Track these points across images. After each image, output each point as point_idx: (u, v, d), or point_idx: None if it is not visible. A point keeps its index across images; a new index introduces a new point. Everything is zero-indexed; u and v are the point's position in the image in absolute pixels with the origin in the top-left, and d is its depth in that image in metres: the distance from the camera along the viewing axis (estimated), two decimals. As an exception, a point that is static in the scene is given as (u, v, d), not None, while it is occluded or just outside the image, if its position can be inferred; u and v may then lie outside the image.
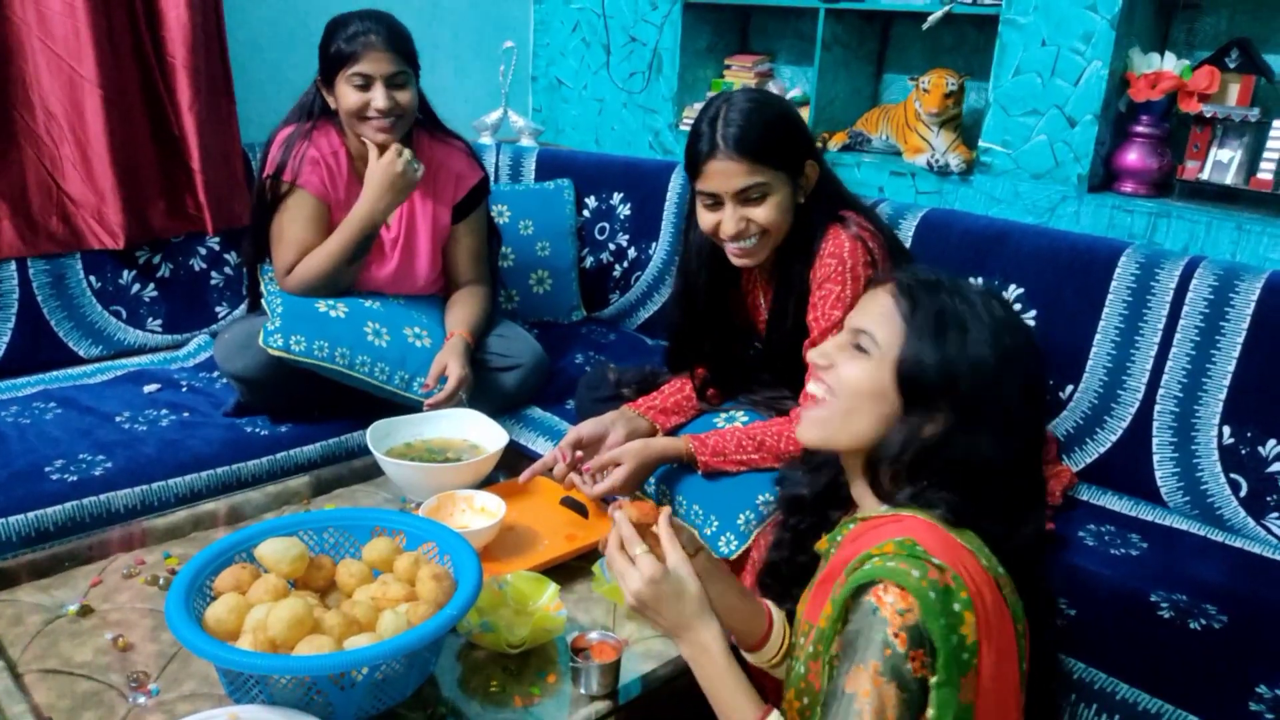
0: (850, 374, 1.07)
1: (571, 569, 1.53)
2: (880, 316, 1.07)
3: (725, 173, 1.55)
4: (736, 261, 1.65)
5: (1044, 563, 1.13)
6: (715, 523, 1.63)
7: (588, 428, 1.74)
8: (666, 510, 1.14)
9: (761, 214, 1.58)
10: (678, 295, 1.84)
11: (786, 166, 1.58)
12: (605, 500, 1.67)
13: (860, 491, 1.12)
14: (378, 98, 1.97)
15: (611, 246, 2.74)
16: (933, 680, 0.93)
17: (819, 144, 2.50)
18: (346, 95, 1.99)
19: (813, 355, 1.11)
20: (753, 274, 1.79)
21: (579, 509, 1.69)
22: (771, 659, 1.22)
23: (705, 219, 1.62)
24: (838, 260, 1.59)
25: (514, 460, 1.85)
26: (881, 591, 0.94)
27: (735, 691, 1.06)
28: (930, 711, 0.93)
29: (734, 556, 1.59)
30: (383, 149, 2.00)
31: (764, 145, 1.54)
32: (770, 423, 1.69)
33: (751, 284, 1.81)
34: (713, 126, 1.55)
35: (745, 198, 1.56)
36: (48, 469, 1.76)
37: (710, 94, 2.85)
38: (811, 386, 1.12)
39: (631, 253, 2.72)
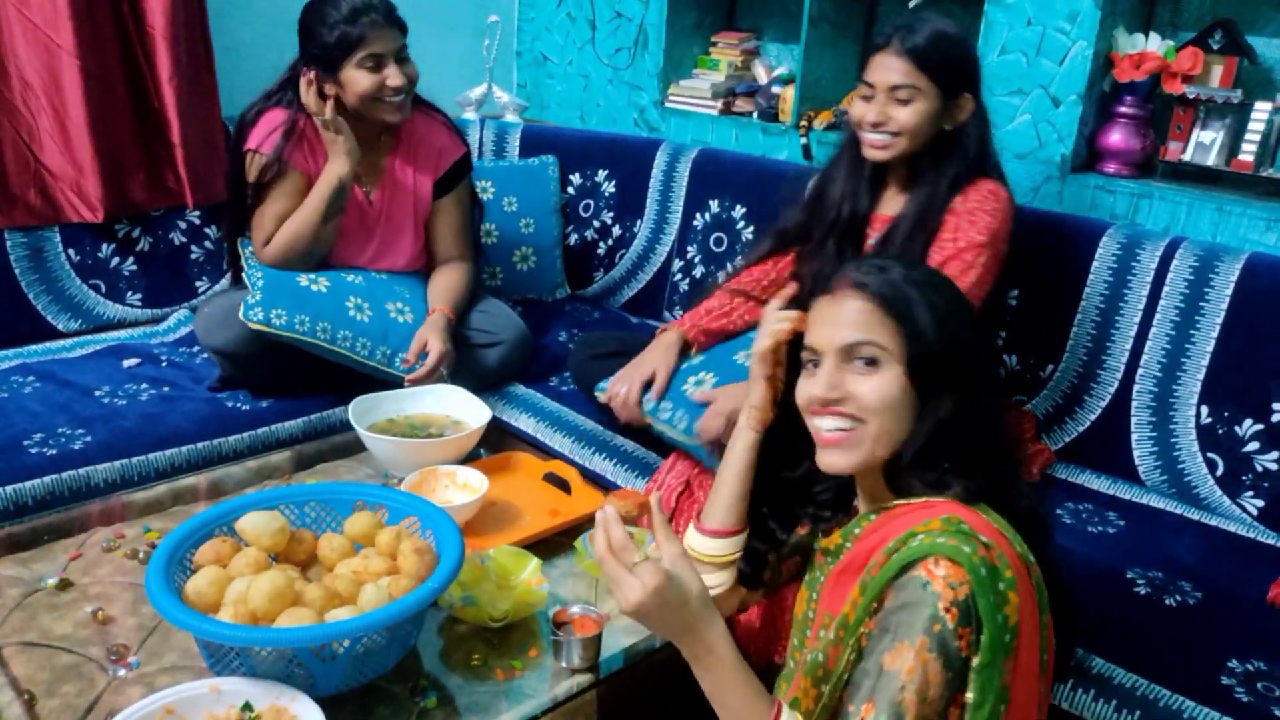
0: (870, 393, 1.02)
1: (554, 544, 1.54)
2: (869, 321, 1.03)
3: (886, 66, 1.68)
4: (869, 152, 1.73)
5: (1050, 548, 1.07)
6: None
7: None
8: (656, 496, 1.10)
9: (903, 114, 1.68)
10: (814, 187, 1.91)
11: (942, 84, 1.67)
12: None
13: (873, 487, 1.09)
14: (392, 75, 1.95)
15: (596, 224, 2.73)
16: (975, 661, 0.91)
17: (804, 122, 2.50)
18: (359, 80, 1.95)
19: (819, 390, 1.04)
20: (885, 192, 1.83)
21: (562, 485, 1.69)
22: (710, 555, 1.24)
23: (857, 107, 1.73)
24: (997, 201, 1.68)
25: (496, 436, 1.85)
26: (933, 565, 0.92)
27: (745, 693, 1.00)
28: (970, 695, 0.91)
29: None
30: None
31: (928, 55, 1.66)
32: None
33: (875, 208, 1.84)
34: (896, 30, 1.69)
35: (895, 96, 1.67)
36: (26, 443, 1.75)
37: (697, 70, 2.85)
38: (828, 425, 1.05)
39: (616, 230, 2.72)
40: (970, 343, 1.05)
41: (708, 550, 1.24)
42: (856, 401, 1.02)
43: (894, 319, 1.02)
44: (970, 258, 1.64)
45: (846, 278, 1.06)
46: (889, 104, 1.68)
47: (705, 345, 1.86)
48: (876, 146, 1.71)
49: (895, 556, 0.96)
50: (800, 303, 1.14)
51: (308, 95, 1.98)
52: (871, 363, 1.03)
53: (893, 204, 1.79)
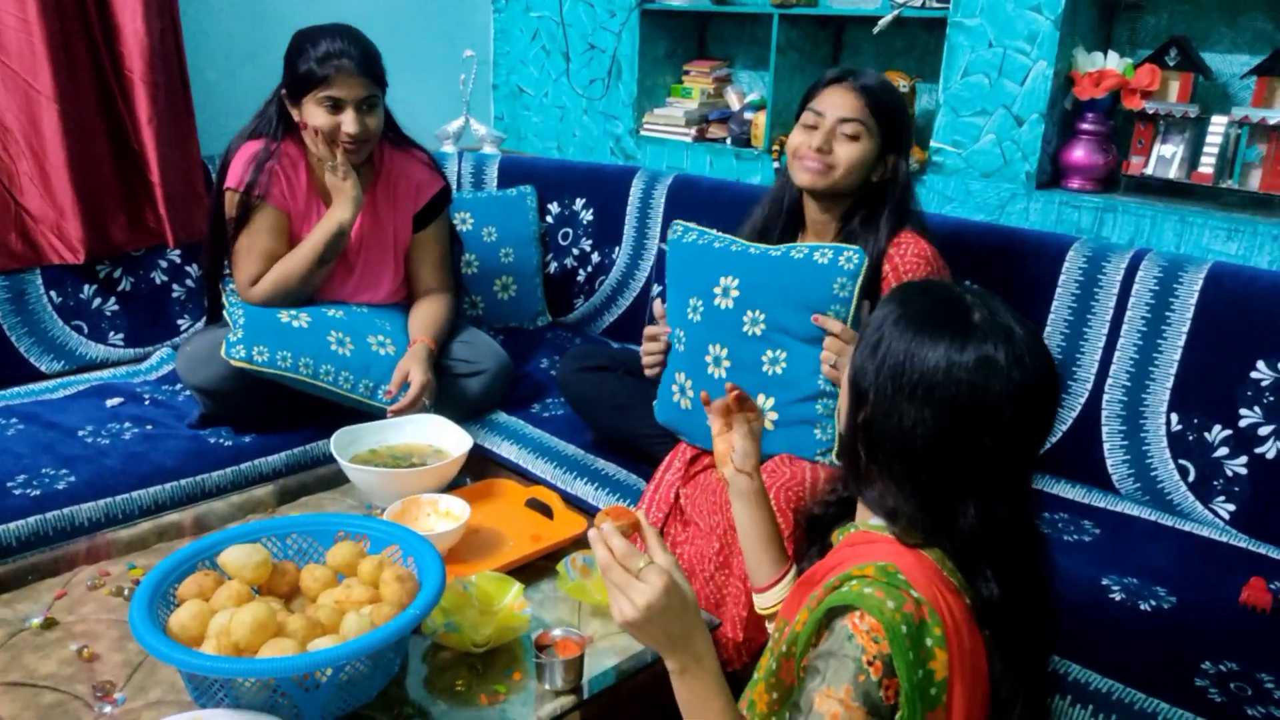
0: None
1: (536, 569, 1.55)
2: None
3: (839, 101, 1.73)
4: (801, 176, 1.76)
5: (1036, 562, 1.05)
6: None
7: None
8: (641, 513, 1.13)
9: (847, 150, 1.73)
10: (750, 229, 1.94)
11: (885, 133, 1.74)
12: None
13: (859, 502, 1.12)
14: (348, 122, 1.98)
15: (575, 252, 2.77)
16: (898, 716, 0.92)
17: (776, 147, 2.54)
18: (315, 116, 1.99)
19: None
20: (805, 235, 1.88)
21: (544, 510, 1.71)
22: (772, 607, 1.26)
23: (796, 136, 1.77)
24: (927, 264, 1.72)
25: (479, 464, 1.87)
26: (857, 619, 0.93)
27: (723, 706, 1.01)
28: None
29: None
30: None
31: (881, 98, 1.74)
32: None
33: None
34: (851, 71, 1.76)
35: (843, 130, 1.72)
36: (10, 484, 1.75)
37: (670, 99, 2.89)
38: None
39: (595, 258, 2.75)
40: (894, 363, 1.03)
41: (775, 600, 1.27)
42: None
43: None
44: None
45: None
46: (835, 137, 1.72)
47: None
48: (813, 173, 1.74)
49: (827, 599, 0.98)
50: None
51: (314, 144, 2.02)
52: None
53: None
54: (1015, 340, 0.98)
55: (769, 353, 1.69)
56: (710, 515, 1.65)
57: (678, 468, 1.78)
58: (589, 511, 1.83)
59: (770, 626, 1.24)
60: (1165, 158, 2.04)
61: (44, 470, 1.81)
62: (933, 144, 2.30)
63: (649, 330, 1.88)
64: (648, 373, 1.89)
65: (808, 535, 1.24)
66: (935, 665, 0.93)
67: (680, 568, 1.05)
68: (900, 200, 1.77)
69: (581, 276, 2.76)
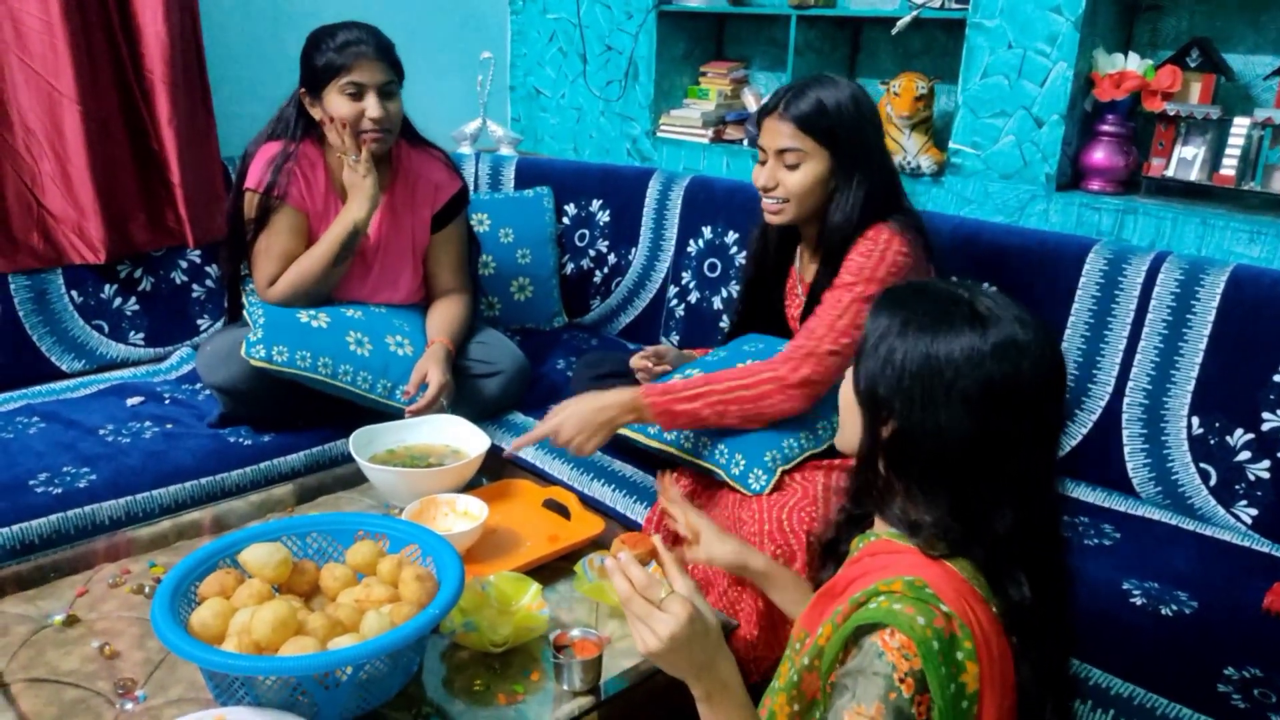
0: (841, 390, 1.13)
1: (554, 569, 1.55)
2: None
3: (773, 131, 1.72)
4: (766, 217, 1.80)
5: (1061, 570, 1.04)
6: (742, 462, 1.68)
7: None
8: (657, 538, 1.13)
9: (791, 180, 1.72)
10: (748, 257, 2.01)
11: (830, 145, 1.70)
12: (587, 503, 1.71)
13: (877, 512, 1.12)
14: (371, 107, 2.00)
15: (591, 253, 2.77)
16: None
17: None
18: (338, 105, 2.00)
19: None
20: (804, 258, 1.90)
21: (561, 511, 1.71)
22: None
23: (755, 171, 1.78)
24: (875, 244, 1.69)
25: (496, 465, 1.87)
26: (887, 636, 0.92)
27: None
28: None
29: (766, 492, 1.64)
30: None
31: (813, 122, 1.69)
32: (744, 370, 1.70)
33: (797, 278, 1.91)
34: (785, 93, 1.73)
35: (783, 160, 1.72)
36: (32, 482, 1.77)
37: (687, 100, 2.89)
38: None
39: (611, 259, 2.75)
40: (920, 374, 1.02)
41: None
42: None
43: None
44: (841, 297, 1.67)
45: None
46: (778, 168, 1.73)
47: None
48: (770, 211, 1.78)
49: (855, 615, 0.97)
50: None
51: (337, 136, 2.02)
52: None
53: (809, 268, 1.85)
54: (1026, 323, 0.99)
55: None
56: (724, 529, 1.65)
57: (687, 482, 1.78)
58: (606, 513, 1.83)
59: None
60: (1187, 160, 2.03)
61: (65, 469, 1.82)
62: (951, 145, 2.29)
63: (660, 356, 1.94)
64: (639, 376, 1.93)
65: (820, 553, 1.24)
66: (967, 678, 0.93)
67: (701, 593, 1.05)
68: (860, 201, 1.70)
69: (598, 278, 2.77)
